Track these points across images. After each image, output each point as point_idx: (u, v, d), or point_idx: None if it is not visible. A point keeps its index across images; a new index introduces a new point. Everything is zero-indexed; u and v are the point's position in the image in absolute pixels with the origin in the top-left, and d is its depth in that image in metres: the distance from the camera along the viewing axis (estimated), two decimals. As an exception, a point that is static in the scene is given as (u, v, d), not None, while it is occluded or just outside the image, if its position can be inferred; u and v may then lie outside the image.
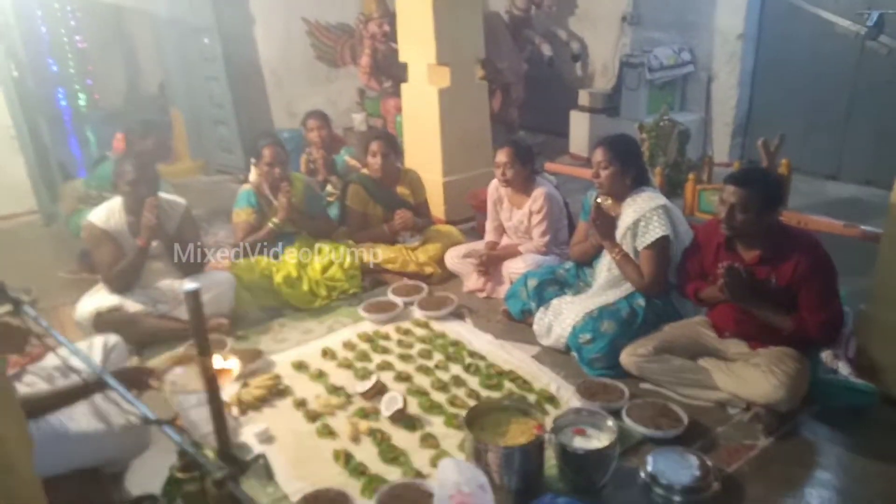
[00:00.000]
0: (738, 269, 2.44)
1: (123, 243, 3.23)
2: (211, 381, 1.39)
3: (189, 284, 1.35)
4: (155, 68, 7.18)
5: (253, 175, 3.86)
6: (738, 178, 2.50)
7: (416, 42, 4.59)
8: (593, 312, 2.94)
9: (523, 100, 6.44)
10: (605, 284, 3.05)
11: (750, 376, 2.52)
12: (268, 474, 1.49)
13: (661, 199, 2.96)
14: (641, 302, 2.94)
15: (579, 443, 2.23)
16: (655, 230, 2.87)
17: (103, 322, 3.07)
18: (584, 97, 6.26)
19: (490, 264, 3.65)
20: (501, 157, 3.54)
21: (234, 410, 2.69)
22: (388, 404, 2.62)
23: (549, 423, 2.32)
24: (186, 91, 6.33)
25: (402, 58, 4.87)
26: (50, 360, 2.28)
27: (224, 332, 3.25)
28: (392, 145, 3.97)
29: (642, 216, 2.90)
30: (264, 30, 6.40)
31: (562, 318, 3.02)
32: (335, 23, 6.65)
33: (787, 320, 2.47)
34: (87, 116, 7.63)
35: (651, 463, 2.24)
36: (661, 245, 2.87)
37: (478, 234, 4.24)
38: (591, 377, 2.82)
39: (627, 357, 2.75)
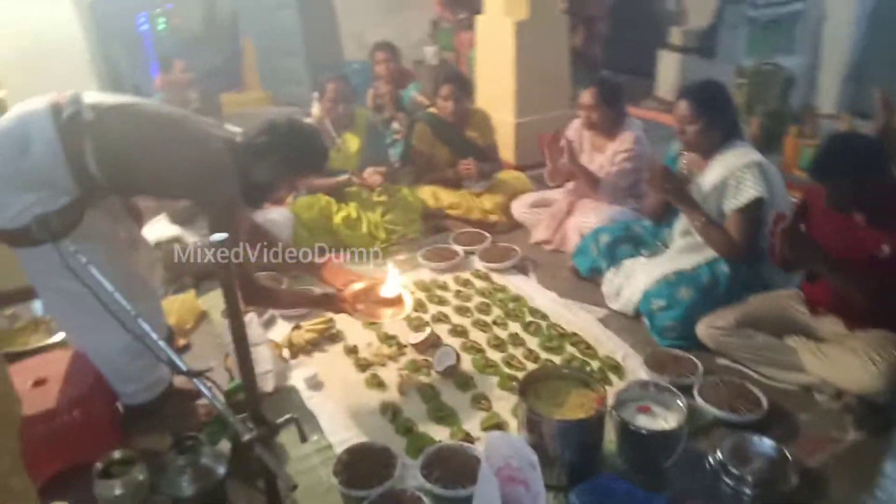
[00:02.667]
0: (800, 232, 2.18)
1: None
2: (239, 339, 1.28)
3: (217, 235, 1.23)
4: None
5: (315, 110, 3.72)
6: (817, 172, 2.20)
7: (495, -31, 4.26)
8: (669, 277, 2.69)
9: (608, 36, 5.99)
10: (683, 249, 2.78)
11: (844, 361, 2.24)
12: (301, 436, 1.39)
13: (756, 155, 2.62)
14: (725, 269, 2.66)
15: (643, 422, 2.04)
16: (748, 190, 2.56)
17: (163, 252, 3.06)
18: (675, 35, 5.76)
19: (568, 153, 3.26)
20: (587, 98, 3.26)
21: (286, 353, 2.63)
22: (441, 359, 2.50)
23: (611, 394, 2.14)
24: (258, 20, 6.21)
25: (478, -14, 4.56)
26: None
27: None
28: (464, 88, 3.73)
29: (732, 174, 2.58)
30: (337, -45, 6.15)
31: (633, 280, 2.79)
32: (411, -52, 6.32)
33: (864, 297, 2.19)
34: (166, 41, 7.63)
35: (722, 449, 2.04)
36: (753, 207, 2.56)
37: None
38: (662, 347, 2.60)
39: (705, 328, 2.51)
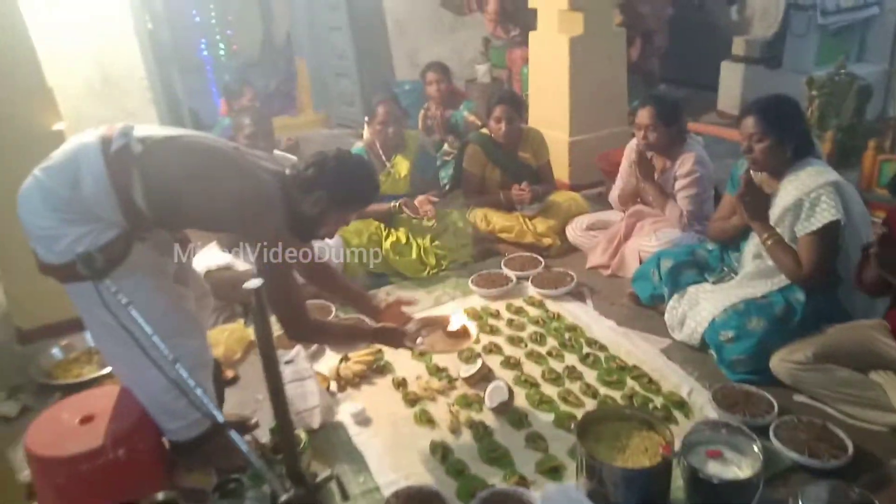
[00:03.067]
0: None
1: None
2: (276, 391, 1.21)
3: (252, 282, 1.16)
4: (286, 18, 7.18)
5: (366, 133, 3.68)
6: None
7: (547, -15, 4.16)
8: (738, 306, 2.50)
9: (666, 48, 5.79)
10: (755, 274, 2.59)
11: (941, 401, 2.03)
12: (342, 495, 1.30)
13: (832, 175, 2.43)
14: (800, 297, 2.46)
15: (714, 469, 1.88)
16: (823, 213, 2.36)
17: (213, 280, 3.05)
18: (738, 45, 5.51)
19: (643, 161, 3.20)
20: (643, 118, 3.12)
21: (333, 385, 2.57)
22: (493, 394, 2.38)
23: (677, 434, 1.98)
24: (311, 42, 6.28)
25: (531, 3, 4.46)
26: None
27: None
28: (518, 109, 3.62)
29: (807, 195, 2.39)
30: (389, -24, 6.16)
31: (698, 308, 2.62)
32: (463, -34, 6.27)
33: None
34: (226, 66, 7.83)
35: (803, 498, 1.85)
36: (829, 231, 2.36)
37: (606, 202, 3.83)
38: (732, 382, 2.41)
39: (780, 362, 2.32)
